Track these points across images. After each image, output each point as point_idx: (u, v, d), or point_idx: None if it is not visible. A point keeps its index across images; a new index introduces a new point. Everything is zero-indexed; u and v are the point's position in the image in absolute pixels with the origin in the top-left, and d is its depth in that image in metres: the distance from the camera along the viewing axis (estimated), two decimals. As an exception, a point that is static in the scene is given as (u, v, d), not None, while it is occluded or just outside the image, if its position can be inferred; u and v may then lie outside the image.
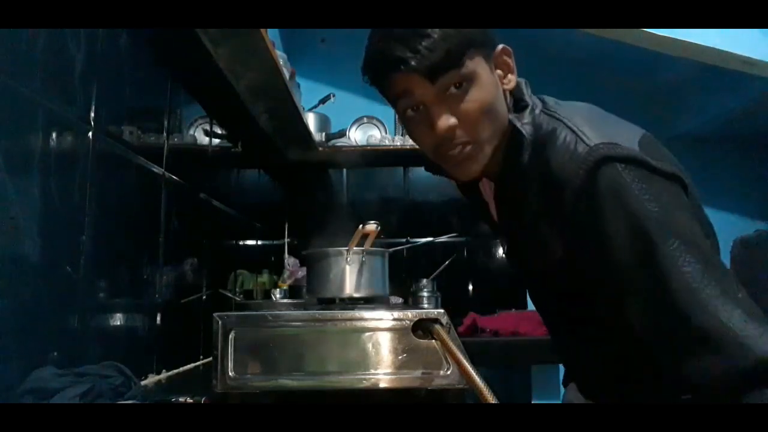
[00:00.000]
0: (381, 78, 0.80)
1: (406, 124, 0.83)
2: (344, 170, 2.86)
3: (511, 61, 0.81)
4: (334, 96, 2.54)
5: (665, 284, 0.62)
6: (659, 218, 0.64)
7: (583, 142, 0.69)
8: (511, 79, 0.81)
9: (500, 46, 0.81)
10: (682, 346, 0.63)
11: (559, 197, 0.70)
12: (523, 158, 0.76)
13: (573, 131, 0.71)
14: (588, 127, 0.71)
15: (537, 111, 0.78)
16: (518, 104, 0.81)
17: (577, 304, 0.80)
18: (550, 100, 0.81)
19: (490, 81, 0.76)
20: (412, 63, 0.71)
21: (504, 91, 0.80)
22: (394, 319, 0.92)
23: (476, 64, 0.75)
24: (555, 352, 1.00)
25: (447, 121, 0.74)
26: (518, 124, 0.76)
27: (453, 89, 0.74)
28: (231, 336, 0.90)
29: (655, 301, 0.65)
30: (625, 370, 0.79)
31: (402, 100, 0.78)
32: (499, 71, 0.80)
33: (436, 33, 0.73)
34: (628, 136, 0.70)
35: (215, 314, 0.90)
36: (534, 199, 0.76)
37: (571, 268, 0.75)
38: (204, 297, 1.56)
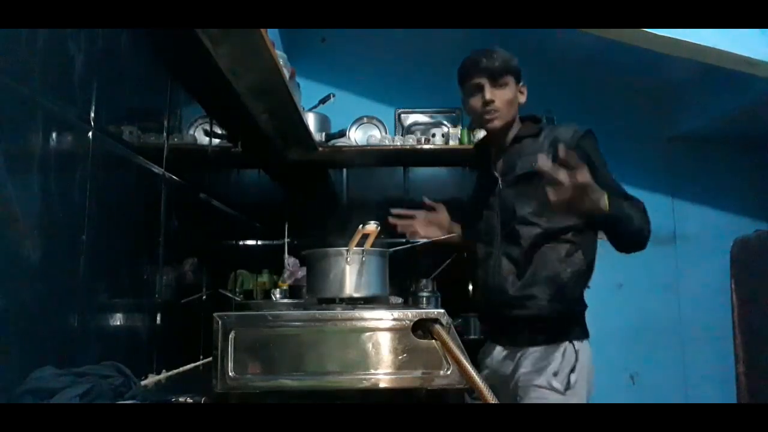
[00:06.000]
0: (466, 71, 1.45)
1: (468, 98, 1.47)
2: (344, 170, 2.86)
3: (525, 90, 1.49)
4: (334, 96, 2.54)
5: (615, 185, 1.34)
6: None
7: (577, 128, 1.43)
8: (522, 98, 1.50)
9: (522, 83, 1.48)
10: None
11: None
12: (535, 134, 1.46)
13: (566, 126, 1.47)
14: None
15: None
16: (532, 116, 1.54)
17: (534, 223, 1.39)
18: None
19: (513, 90, 1.45)
20: (483, 64, 1.42)
21: (519, 101, 1.49)
22: (394, 319, 0.92)
23: (510, 79, 1.44)
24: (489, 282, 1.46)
25: (490, 95, 1.42)
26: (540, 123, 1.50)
27: (497, 84, 1.42)
28: (231, 336, 0.89)
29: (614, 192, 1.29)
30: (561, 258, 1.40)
31: (472, 83, 1.44)
32: (519, 92, 1.48)
33: (499, 55, 1.42)
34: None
35: (215, 314, 0.90)
36: (534, 157, 1.37)
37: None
38: (204, 297, 1.56)
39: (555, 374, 1.33)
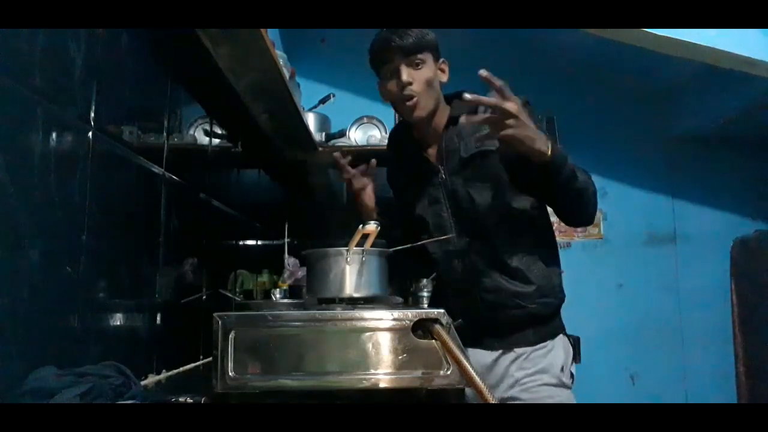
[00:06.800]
0: (377, 52, 1.33)
1: (384, 83, 1.34)
2: (344, 170, 2.86)
3: (446, 67, 1.36)
4: (334, 96, 2.54)
5: None
6: None
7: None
8: (444, 77, 1.36)
9: (442, 59, 1.35)
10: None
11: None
12: (471, 113, 1.23)
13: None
14: None
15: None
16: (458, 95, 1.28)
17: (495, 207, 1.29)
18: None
19: (433, 68, 1.31)
20: (395, 44, 1.28)
21: (440, 81, 1.35)
22: (394, 319, 0.92)
23: (427, 57, 1.30)
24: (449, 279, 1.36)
25: (407, 76, 1.28)
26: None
27: (413, 64, 1.29)
28: (231, 336, 0.89)
29: None
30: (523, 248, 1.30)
31: (386, 66, 1.32)
32: (439, 69, 1.34)
33: (413, 32, 1.28)
34: None
35: (215, 314, 0.90)
36: (478, 135, 1.23)
37: (499, 171, 1.28)
38: (204, 297, 1.56)
39: (562, 369, 1.29)
